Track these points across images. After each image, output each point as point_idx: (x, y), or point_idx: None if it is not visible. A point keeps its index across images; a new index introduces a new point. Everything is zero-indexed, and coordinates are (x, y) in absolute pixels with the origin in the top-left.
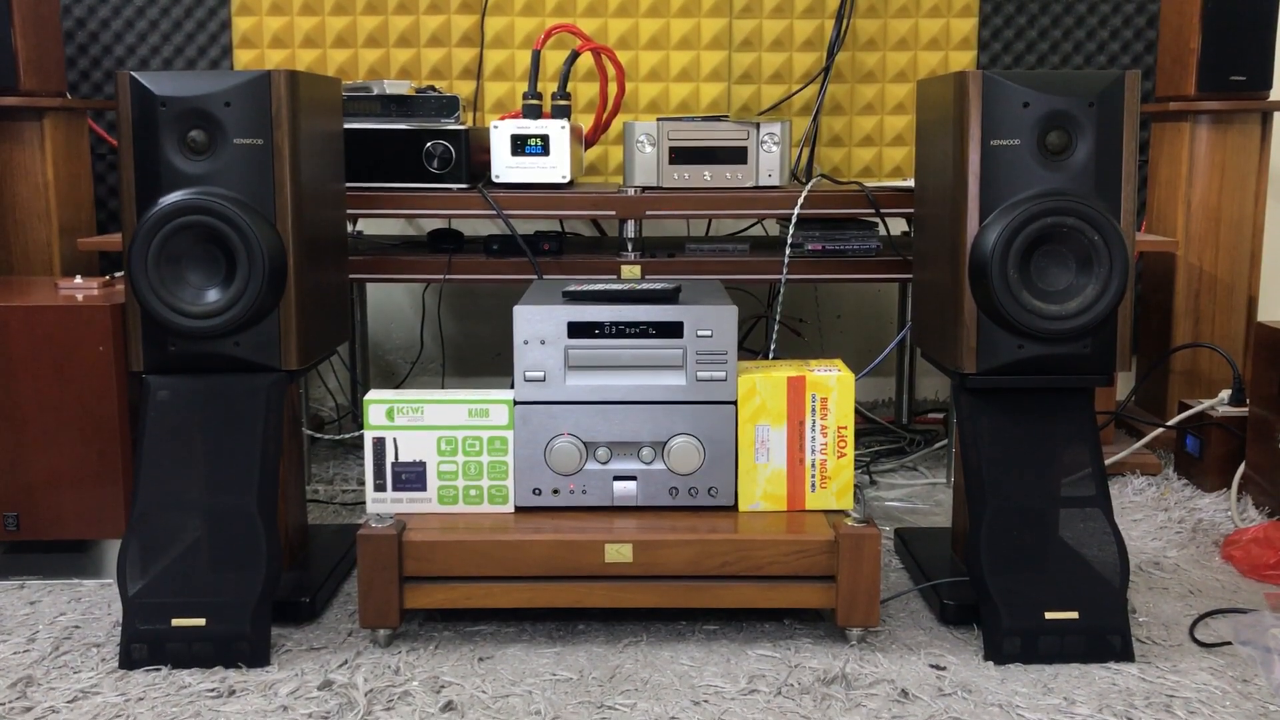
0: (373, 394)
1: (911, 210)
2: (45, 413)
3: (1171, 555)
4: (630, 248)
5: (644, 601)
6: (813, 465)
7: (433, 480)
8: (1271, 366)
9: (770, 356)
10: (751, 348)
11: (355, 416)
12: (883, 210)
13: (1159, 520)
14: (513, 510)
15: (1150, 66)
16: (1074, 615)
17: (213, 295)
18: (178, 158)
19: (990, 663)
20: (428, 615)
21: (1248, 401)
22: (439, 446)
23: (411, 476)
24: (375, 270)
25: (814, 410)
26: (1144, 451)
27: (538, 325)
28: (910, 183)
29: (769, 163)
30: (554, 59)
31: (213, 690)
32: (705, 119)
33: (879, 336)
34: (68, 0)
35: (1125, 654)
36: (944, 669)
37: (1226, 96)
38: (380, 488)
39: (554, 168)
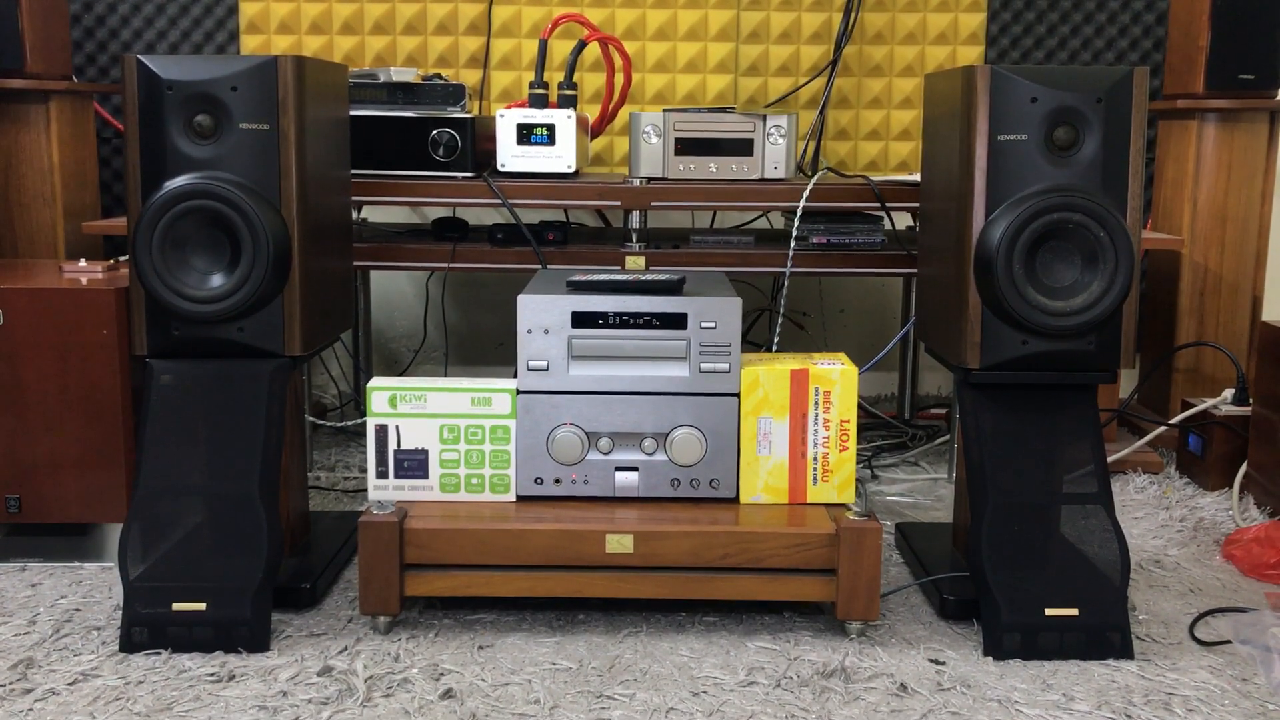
0: (376, 381)
1: (917, 204)
2: (48, 396)
3: (1172, 553)
4: (635, 238)
5: (644, 592)
6: (814, 458)
7: (435, 468)
8: (1275, 366)
9: (774, 349)
10: (755, 340)
11: (358, 404)
12: (888, 204)
13: (1160, 518)
14: (514, 499)
15: (1158, 64)
16: (1074, 612)
17: (217, 280)
18: (183, 142)
19: (989, 658)
20: (428, 603)
21: (1251, 401)
22: (441, 434)
23: (413, 464)
24: (379, 258)
25: (817, 403)
26: (1146, 449)
27: (541, 315)
28: (916, 177)
29: (775, 155)
30: (561, 49)
31: (213, 675)
32: (711, 111)
33: (882, 331)
34: None
35: (1125, 651)
36: (943, 664)
37: (1235, 95)
38: (382, 475)
39: (559, 157)
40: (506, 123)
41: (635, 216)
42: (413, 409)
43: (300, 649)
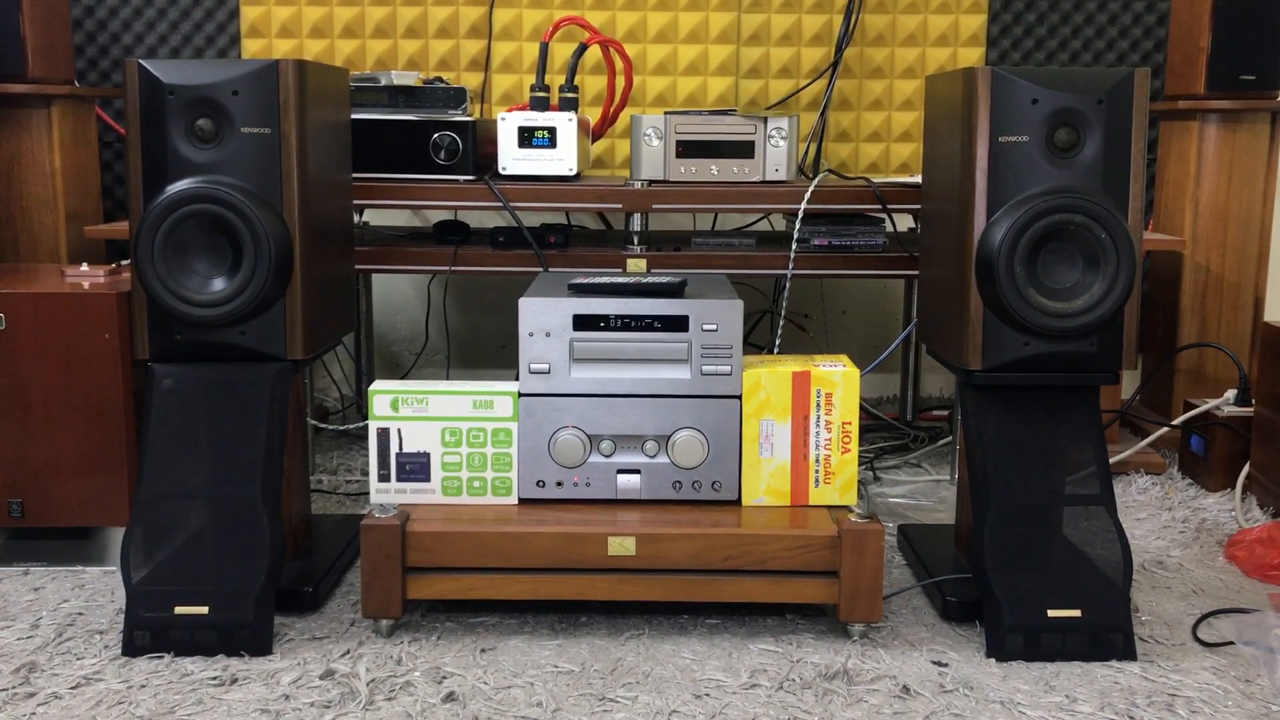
0: (378, 384)
1: (918, 206)
2: (51, 400)
3: (1175, 555)
4: (636, 241)
5: (646, 595)
6: (817, 460)
7: (437, 471)
8: (1277, 366)
9: (775, 351)
10: (757, 343)
11: (360, 407)
12: (889, 206)
13: (1163, 519)
14: (516, 502)
15: (1159, 65)
16: (1077, 613)
17: (219, 284)
18: (185, 146)
19: (992, 660)
20: (430, 606)
21: (1253, 401)
22: (443, 438)
23: (415, 467)
24: (381, 261)
25: (818, 405)
26: (1148, 450)
27: (543, 317)
28: (917, 179)
29: (776, 157)
30: (562, 51)
31: (215, 678)
32: (712, 113)
33: (884, 332)
34: None
35: (1128, 653)
36: (946, 666)
37: (1236, 95)
38: (384, 478)
39: (561, 160)
40: (508, 126)
41: (636, 219)
42: (414, 412)
43: (302, 652)
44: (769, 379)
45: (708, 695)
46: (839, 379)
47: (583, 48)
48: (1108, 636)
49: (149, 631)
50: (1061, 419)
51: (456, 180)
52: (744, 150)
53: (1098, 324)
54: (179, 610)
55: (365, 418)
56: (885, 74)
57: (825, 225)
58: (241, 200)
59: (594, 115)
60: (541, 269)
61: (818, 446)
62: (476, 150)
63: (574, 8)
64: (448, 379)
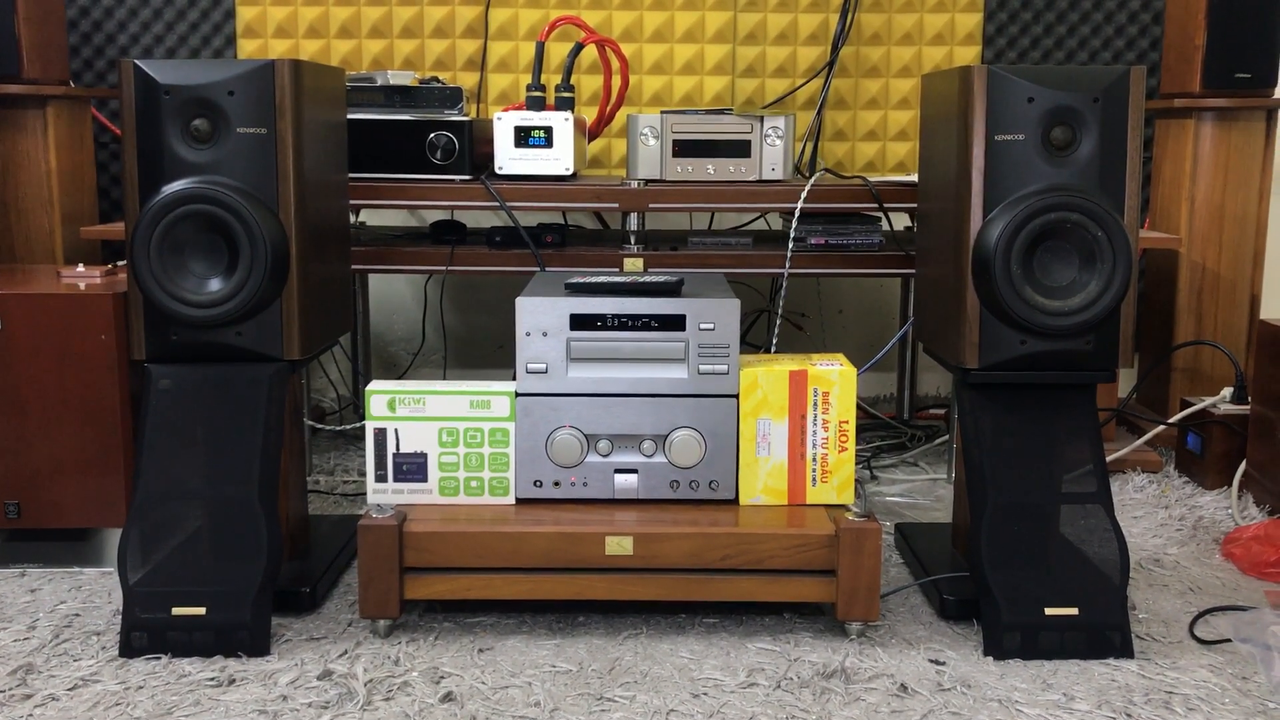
0: (374, 385)
1: (915, 205)
2: (47, 401)
3: (1172, 552)
4: (633, 240)
5: (644, 594)
6: (814, 459)
7: (434, 471)
8: (1274, 364)
9: (772, 350)
10: (754, 342)
11: (357, 407)
12: (886, 205)
13: (1160, 517)
14: (513, 502)
15: (1155, 63)
16: (1074, 611)
17: (215, 284)
18: (181, 146)
19: (990, 658)
20: (428, 606)
21: (1249, 399)
22: (440, 438)
23: (413, 467)
24: (378, 261)
25: (816, 405)
26: (1145, 449)
27: (540, 317)
28: (914, 177)
29: (772, 156)
30: (558, 51)
31: (213, 679)
32: (709, 112)
33: (881, 331)
34: None
35: (1125, 650)
36: (943, 664)
37: (1231, 94)
38: (381, 478)
39: (557, 160)
40: (504, 125)
41: (633, 218)
42: (411, 412)
43: (300, 653)
44: (766, 378)
45: (705, 694)
46: (836, 378)
47: (579, 47)
48: (1105, 634)
49: (146, 632)
50: (1058, 417)
51: (453, 180)
52: (740, 149)
53: (1094, 322)
54: (176, 611)
55: (362, 418)
56: (881, 73)
57: (822, 224)
58: (238, 200)
59: (590, 115)
60: (538, 269)
61: (815, 445)
62: (473, 150)
63: (570, 7)
64: (445, 379)
